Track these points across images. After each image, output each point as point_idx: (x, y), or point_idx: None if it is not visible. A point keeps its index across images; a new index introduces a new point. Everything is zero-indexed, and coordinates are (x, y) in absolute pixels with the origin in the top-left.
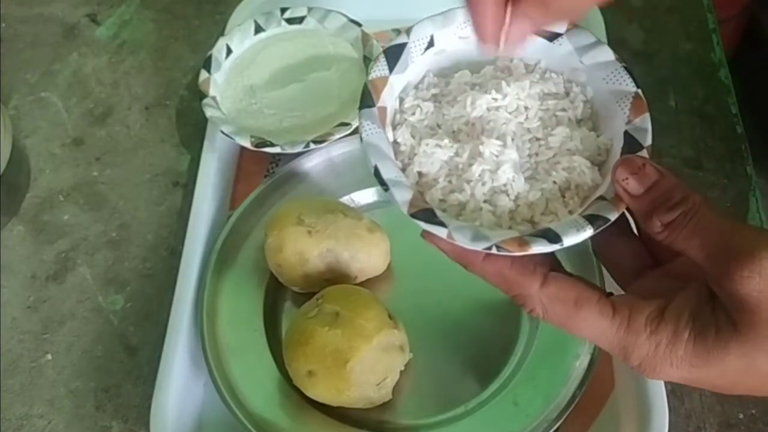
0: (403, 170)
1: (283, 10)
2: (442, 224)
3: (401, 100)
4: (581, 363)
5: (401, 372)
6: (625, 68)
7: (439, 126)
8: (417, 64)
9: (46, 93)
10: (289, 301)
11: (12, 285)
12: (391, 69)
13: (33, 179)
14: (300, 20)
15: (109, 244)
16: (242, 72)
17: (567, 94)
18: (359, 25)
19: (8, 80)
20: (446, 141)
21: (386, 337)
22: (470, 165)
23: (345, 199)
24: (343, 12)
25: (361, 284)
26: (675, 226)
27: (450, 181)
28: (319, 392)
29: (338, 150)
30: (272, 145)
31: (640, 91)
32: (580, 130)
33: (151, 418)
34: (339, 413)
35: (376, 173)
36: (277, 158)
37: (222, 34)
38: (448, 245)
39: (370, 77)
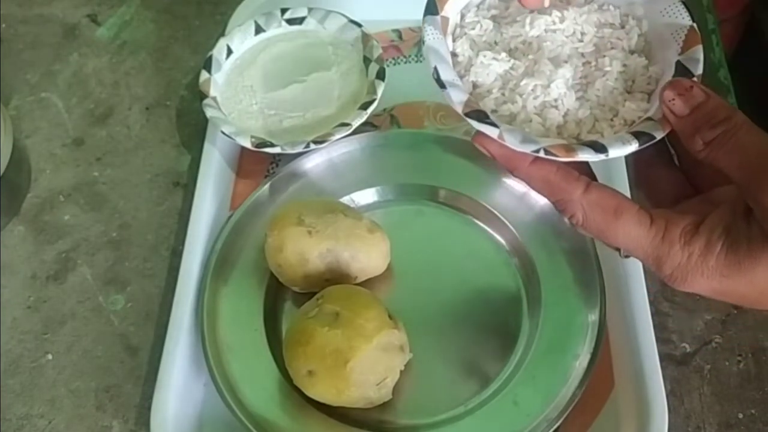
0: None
1: (284, 11)
2: (494, 125)
3: (462, 16)
4: (581, 363)
5: (401, 372)
6: (682, 2)
7: (496, 43)
8: None
9: (47, 93)
10: (289, 301)
11: (12, 285)
12: None
13: (33, 179)
14: (300, 21)
15: (109, 245)
16: (242, 72)
17: (622, 26)
18: (359, 25)
19: (8, 80)
20: (503, 55)
21: (386, 337)
22: (524, 79)
23: (345, 199)
24: (343, 12)
25: (361, 284)
26: (715, 144)
27: (503, 93)
28: (319, 392)
29: (338, 150)
30: (272, 145)
31: (695, 24)
32: (633, 59)
33: (152, 417)
34: (339, 413)
35: (435, 73)
36: (277, 158)
37: (222, 34)
38: (497, 147)
39: None
